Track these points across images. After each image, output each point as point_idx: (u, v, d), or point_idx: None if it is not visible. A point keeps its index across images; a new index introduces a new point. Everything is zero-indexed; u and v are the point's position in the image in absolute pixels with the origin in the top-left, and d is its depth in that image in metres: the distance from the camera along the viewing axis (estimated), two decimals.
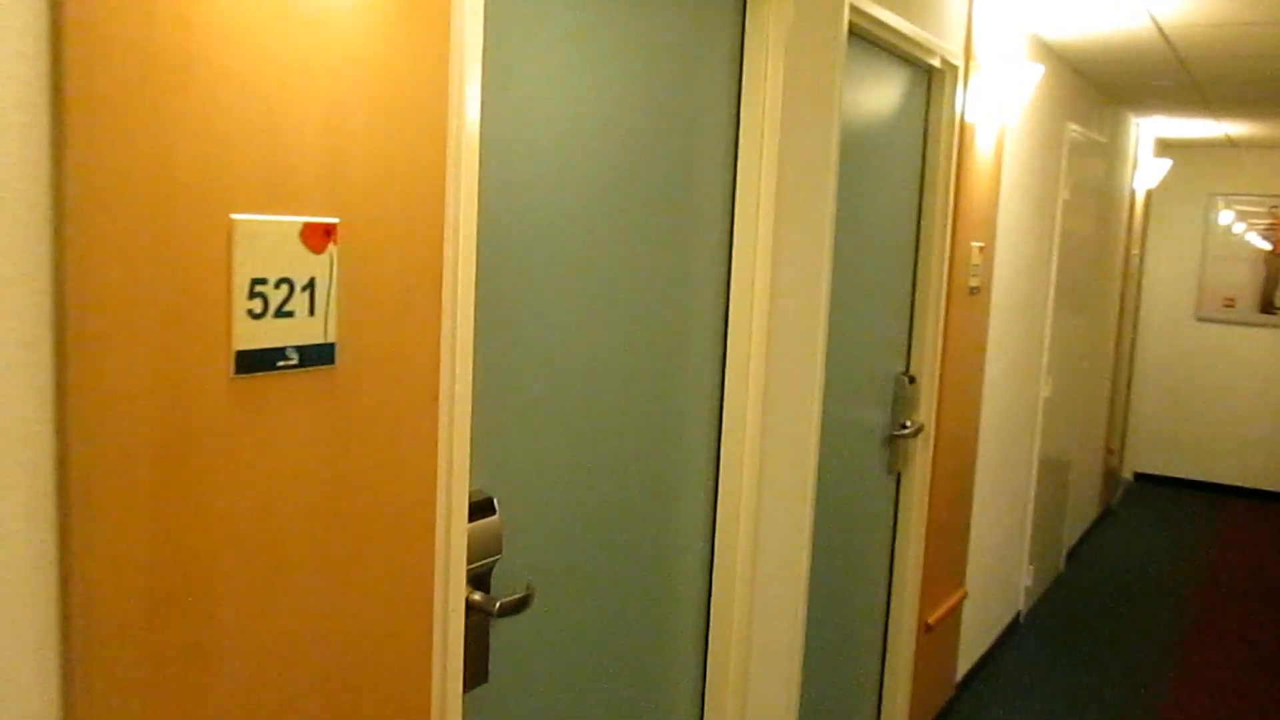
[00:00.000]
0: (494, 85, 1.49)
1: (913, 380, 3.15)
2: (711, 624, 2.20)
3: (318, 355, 1.19)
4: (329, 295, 1.20)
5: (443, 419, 1.38)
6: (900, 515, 3.22)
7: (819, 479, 2.61)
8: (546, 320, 1.65)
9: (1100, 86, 4.95)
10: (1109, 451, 6.59)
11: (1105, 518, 6.61)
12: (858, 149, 2.67)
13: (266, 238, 1.12)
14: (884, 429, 3.06)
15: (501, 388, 1.58)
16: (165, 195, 1.02)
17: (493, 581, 1.62)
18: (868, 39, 2.65)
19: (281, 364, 1.15)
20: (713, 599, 2.20)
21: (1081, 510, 5.94)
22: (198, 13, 1.03)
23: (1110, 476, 6.78)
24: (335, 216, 1.19)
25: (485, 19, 1.44)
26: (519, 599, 1.57)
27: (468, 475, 1.44)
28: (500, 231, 1.53)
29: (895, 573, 3.23)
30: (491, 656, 1.63)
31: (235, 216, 1.09)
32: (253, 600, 1.15)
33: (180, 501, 1.07)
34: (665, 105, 1.87)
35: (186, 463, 1.07)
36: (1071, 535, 5.69)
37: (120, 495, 1.02)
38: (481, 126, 1.47)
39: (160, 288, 1.03)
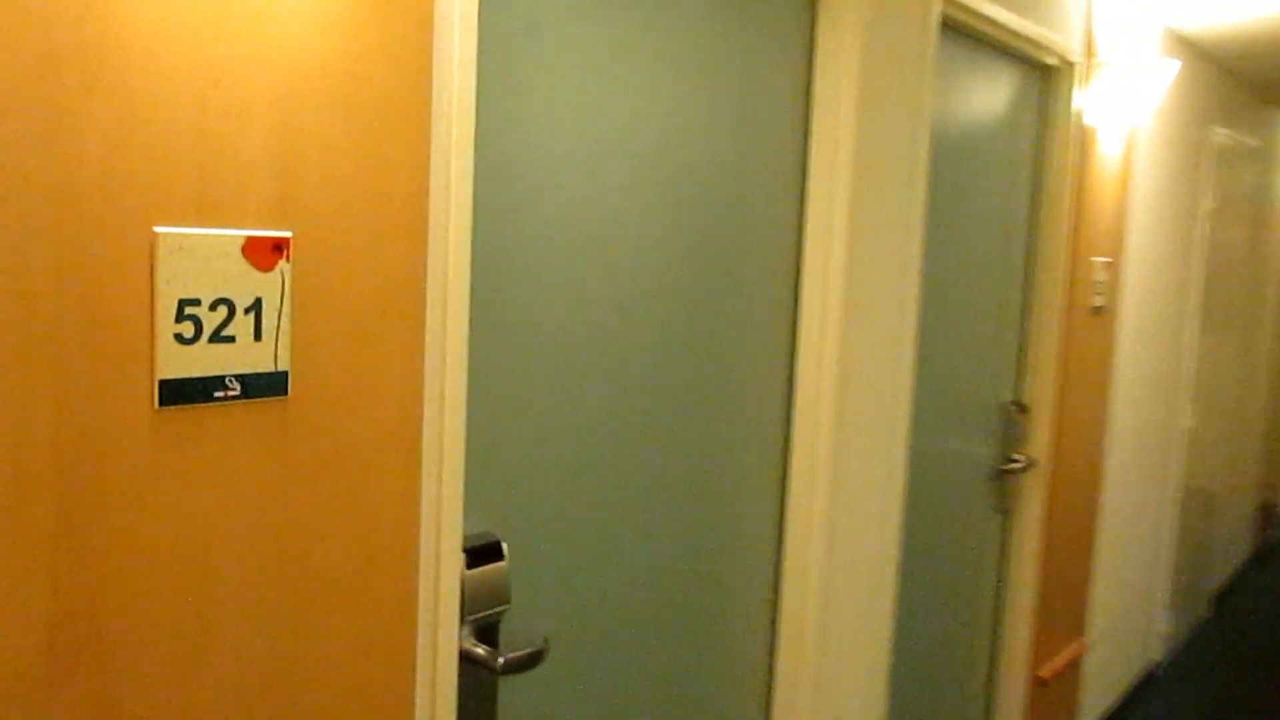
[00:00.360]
0: (520, 86, 1.34)
1: (1024, 409, 2.86)
2: (775, 687, 1.99)
3: (266, 385, 1.06)
4: (280, 318, 1.06)
5: (427, 454, 1.23)
6: (1008, 558, 2.92)
7: (907, 518, 2.37)
8: (575, 341, 1.49)
9: (1250, 84, 4.51)
10: (1266, 485, 6.01)
11: (1261, 557, 6.03)
12: (956, 156, 2.43)
13: (198, 253, 0.99)
14: (990, 463, 2.78)
15: (515, 416, 1.43)
16: (69, 205, 0.91)
17: (502, 634, 1.46)
18: (968, 34, 2.41)
19: (220, 395, 1.03)
20: (777, 657, 1.99)
21: (1232, 550, 5.42)
22: (107, 4, 0.91)
23: (1267, 512, 6.18)
24: (287, 230, 1.06)
25: (488, 6, 1.30)
26: (528, 654, 1.41)
27: (460, 517, 1.29)
28: (522, 243, 1.38)
29: (1002, 622, 2.93)
30: (501, 717, 1.47)
31: (159, 229, 0.97)
32: (180, 656, 1.03)
33: (89, 548, 0.95)
34: (723, 108, 1.69)
35: (98, 504, 0.95)
36: (1219, 577, 5.18)
37: (14, 541, 0.90)
38: (504, 131, 1.33)
39: (62, 308, 0.91)
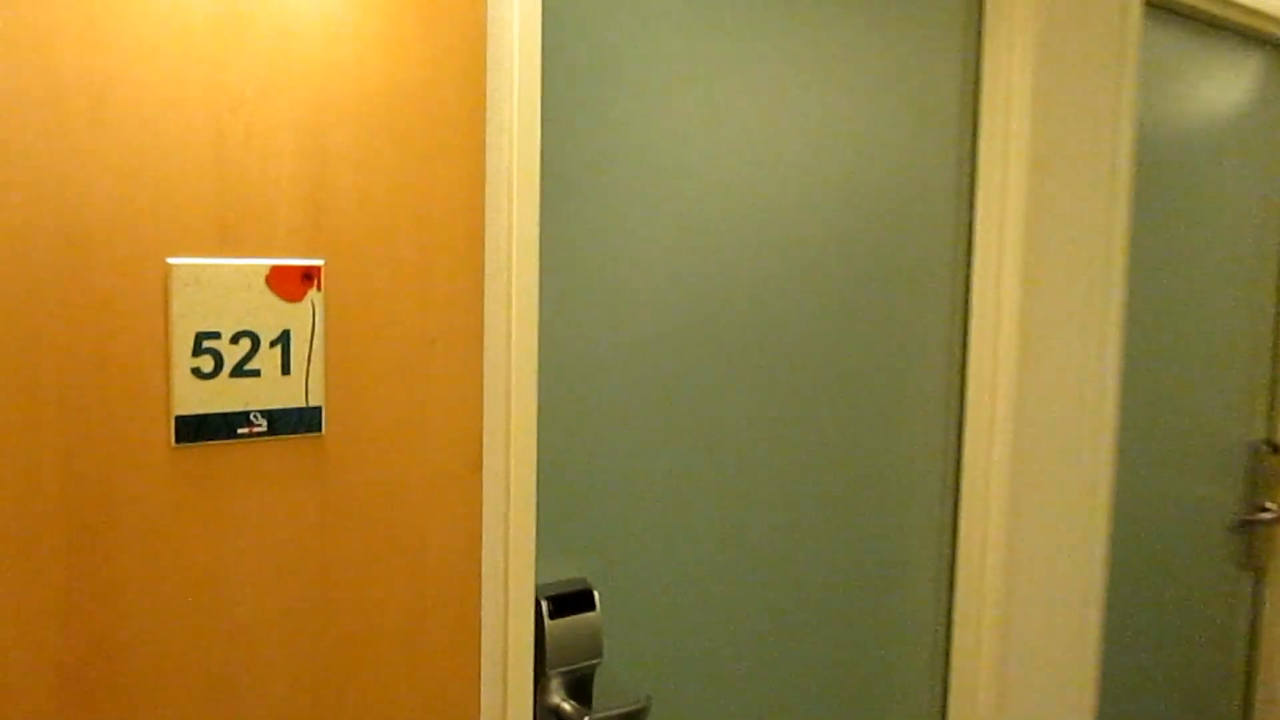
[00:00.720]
0: (625, 92, 1.25)
1: (1277, 450, 2.44)
2: None
3: (296, 421, 1.01)
4: (310, 351, 1.01)
5: (490, 497, 1.14)
6: (1261, 626, 2.49)
7: (1116, 574, 2.06)
8: (682, 365, 1.37)
9: None
10: None
11: None
12: (1181, 157, 2.10)
13: (216, 285, 0.96)
14: (1232, 513, 2.38)
15: (614, 451, 1.32)
16: (77, 239, 0.89)
17: (597, 689, 1.35)
18: (1187, 16, 2.09)
19: (244, 431, 0.98)
20: None
21: None
22: (114, 33, 0.90)
23: None
24: (318, 258, 1.01)
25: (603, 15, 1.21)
26: (623, 713, 1.29)
27: (533, 564, 1.20)
28: (623, 257, 1.28)
29: (1253, 700, 2.50)
30: None
31: (173, 260, 0.94)
32: (205, 708, 0.98)
33: (103, 590, 0.93)
34: (871, 105, 1.52)
35: (112, 544, 0.93)
36: None
37: (23, 581, 0.89)
38: (600, 137, 1.24)
39: (72, 343, 0.90)
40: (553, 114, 1.22)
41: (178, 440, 0.95)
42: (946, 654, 1.75)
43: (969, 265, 1.71)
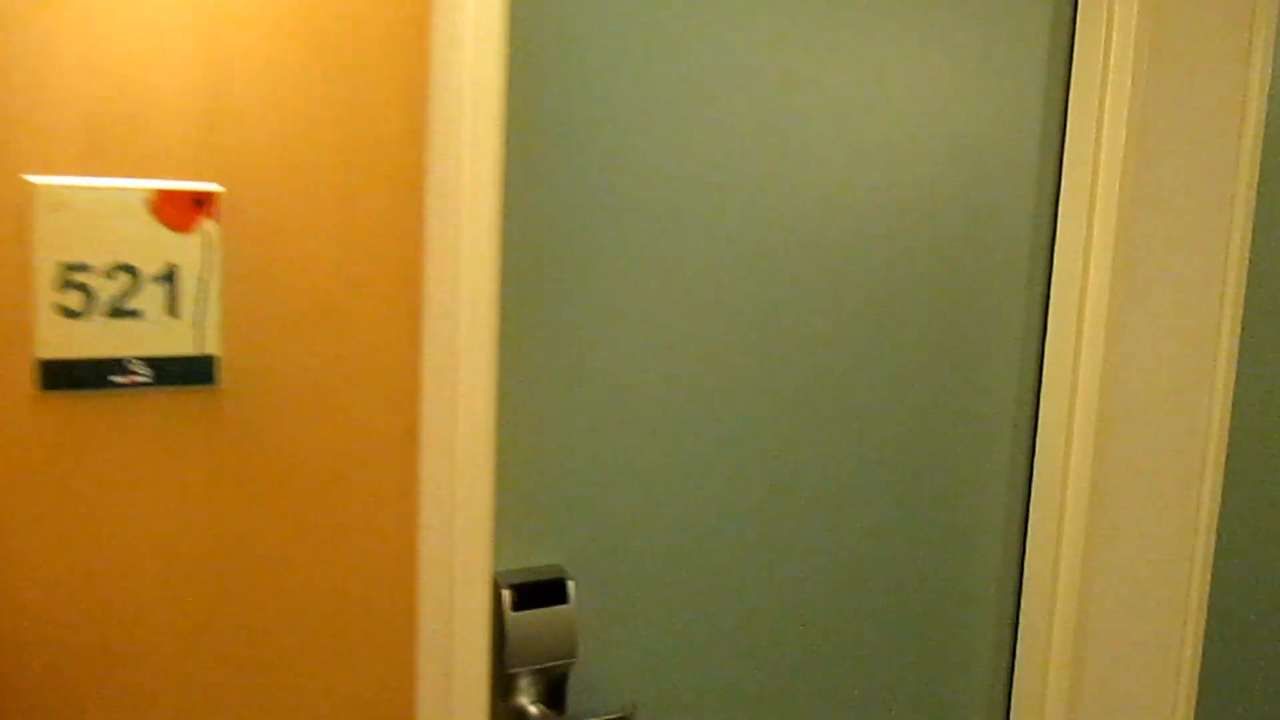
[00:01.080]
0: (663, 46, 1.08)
1: None
2: None
3: (186, 372, 0.88)
4: (205, 290, 0.88)
5: (429, 468, 0.99)
6: None
7: (1220, 623, 1.79)
8: (696, 324, 1.19)
9: None
10: None
11: None
12: None
13: (87, 209, 0.83)
14: None
15: (608, 418, 1.16)
16: None
17: (573, 693, 1.19)
18: None
19: (121, 380, 0.85)
20: None
21: None
22: None
23: None
24: (213, 183, 0.87)
25: None
26: None
27: (488, 547, 1.04)
28: (631, 202, 1.11)
29: None
30: None
31: (33, 179, 0.81)
32: (79, 695, 0.87)
33: None
34: (939, 87, 1.30)
35: None
36: None
37: None
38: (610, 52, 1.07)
39: None
40: (531, 23, 1.05)
41: (43, 387, 0.82)
42: (1010, 673, 1.53)
43: (1050, 259, 1.46)
